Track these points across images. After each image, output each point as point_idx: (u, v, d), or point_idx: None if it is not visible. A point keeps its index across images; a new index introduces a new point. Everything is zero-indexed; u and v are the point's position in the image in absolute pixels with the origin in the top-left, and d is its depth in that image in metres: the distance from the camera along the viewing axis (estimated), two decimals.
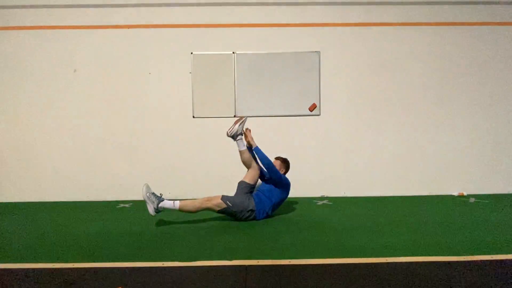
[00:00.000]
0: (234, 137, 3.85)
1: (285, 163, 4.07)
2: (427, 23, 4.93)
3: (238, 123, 3.86)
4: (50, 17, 4.84)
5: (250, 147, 3.98)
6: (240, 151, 3.86)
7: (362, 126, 4.98)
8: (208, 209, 3.64)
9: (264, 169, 3.90)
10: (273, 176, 3.81)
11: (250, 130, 3.97)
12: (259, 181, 4.03)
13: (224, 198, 3.66)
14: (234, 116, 4.88)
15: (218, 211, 3.67)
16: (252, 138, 3.92)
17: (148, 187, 3.61)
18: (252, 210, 3.70)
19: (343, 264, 2.58)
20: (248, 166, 3.88)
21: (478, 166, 5.01)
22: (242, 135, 3.87)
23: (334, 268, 2.51)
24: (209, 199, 3.65)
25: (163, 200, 3.55)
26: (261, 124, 4.92)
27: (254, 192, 3.90)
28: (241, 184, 3.81)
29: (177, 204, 3.57)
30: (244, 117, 3.97)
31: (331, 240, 3.11)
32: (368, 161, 5.00)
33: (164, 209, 3.58)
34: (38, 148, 4.90)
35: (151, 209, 3.52)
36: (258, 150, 3.84)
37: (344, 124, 4.98)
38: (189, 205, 3.61)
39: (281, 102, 4.91)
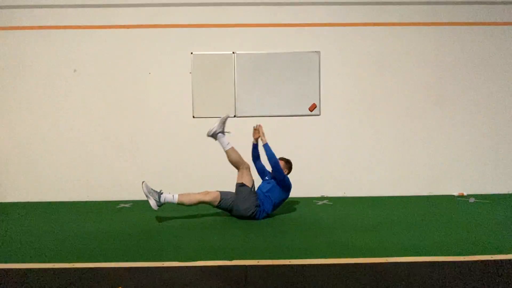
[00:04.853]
0: (214, 136, 3.84)
1: (289, 164, 4.08)
2: (427, 23, 4.93)
3: (218, 122, 3.84)
4: (50, 17, 4.84)
5: (256, 144, 4.02)
6: (226, 152, 3.84)
7: (362, 126, 4.98)
8: (207, 202, 3.67)
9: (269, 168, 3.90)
10: (276, 176, 3.81)
11: (261, 126, 3.97)
12: (256, 180, 4.03)
13: (222, 192, 3.72)
14: (234, 116, 4.88)
15: (217, 205, 3.70)
16: (263, 134, 3.92)
17: (147, 185, 3.64)
18: (257, 206, 3.71)
19: (343, 264, 2.58)
20: (237, 165, 3.85)
21: (478, 166, 5.00)
22: (224, 134, 3.84)
23: (334, 268, 2.51)
24: (207, 192, 3.68)
25: (162, 194, 3.60)
26: (261, 124, 4.92)
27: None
28: (243, 189, 3.74)
29: (176, 197, 3.61)
30: (225, 116, 3.91)
31: (331, 240, 3.11)
32: (368, 161, 4.99)
33: (166, 202, 3.62)
34: (38, 148, 4.90)
35: (153, 203, 3.57)
36: (267, 148, 3.83)
37: (344, 124, 4.98)
38: (188, 198, 3.64)
39: (281, 102, 4.91)
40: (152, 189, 3.63)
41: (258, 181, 4.09)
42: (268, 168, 4.00)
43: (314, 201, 4.69)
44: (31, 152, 4.91)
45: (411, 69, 4.96)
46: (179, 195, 3.64)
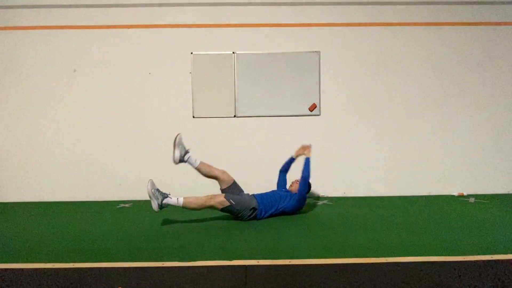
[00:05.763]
0: (182, 160, 3.76)
1: (309, 185, 4.10)
2: (426, 23, 4.93)
3: (175, 146, 3.75)
4: (50, 17, 4.84)
5: (294, 159, 4.15)
6: (197, 169, 3.82)
7: (362, 126, 4.98)
8: (212, 207, 3.64)
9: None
10: (300, 188, 3.88)
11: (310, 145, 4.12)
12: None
13: (227, 196, 3.67)
14: (234, 116, 4.89)
15: (222, 209, 3.68)
16: (310, 151, 4.06)
17: (153, 183, 3.59)
18: (254, 209, 3.71)
19: (343, 264, 2.58)
20: (212, 176, 3.84)
21: (478, 166, 5.00)
22: (188, 152, 3.78)
23: (334, 268, 2.51)
24: (212, 197, 3.63)
25: (167, 197, 3.55)
26: (261, 124, 4.93)
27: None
28: (232, 209, 3.70)
29: (181, 201, 3.57)
30: (177, 136, 3.79)
31: (331, 240, 3.11)
32: (368, 161, 4.99)
33: (168, 206, 3.57)
34: (38, 148, 4.90)
35: (155, 205, 3.52)
36: (309, 161, 3.97)
37: (344, 124, 4.98)
38: (193, 203, 3.59)
39: (281, 102, 4.91)
40: (157, 189, 3.57)
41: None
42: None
43: (314, 201, 4.69)
44: (31, 152, 4.90)
45: (411, 69, 4.95)
46: (184, 199, 3.58)
